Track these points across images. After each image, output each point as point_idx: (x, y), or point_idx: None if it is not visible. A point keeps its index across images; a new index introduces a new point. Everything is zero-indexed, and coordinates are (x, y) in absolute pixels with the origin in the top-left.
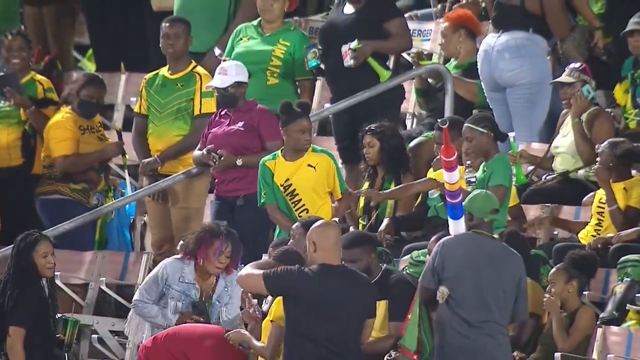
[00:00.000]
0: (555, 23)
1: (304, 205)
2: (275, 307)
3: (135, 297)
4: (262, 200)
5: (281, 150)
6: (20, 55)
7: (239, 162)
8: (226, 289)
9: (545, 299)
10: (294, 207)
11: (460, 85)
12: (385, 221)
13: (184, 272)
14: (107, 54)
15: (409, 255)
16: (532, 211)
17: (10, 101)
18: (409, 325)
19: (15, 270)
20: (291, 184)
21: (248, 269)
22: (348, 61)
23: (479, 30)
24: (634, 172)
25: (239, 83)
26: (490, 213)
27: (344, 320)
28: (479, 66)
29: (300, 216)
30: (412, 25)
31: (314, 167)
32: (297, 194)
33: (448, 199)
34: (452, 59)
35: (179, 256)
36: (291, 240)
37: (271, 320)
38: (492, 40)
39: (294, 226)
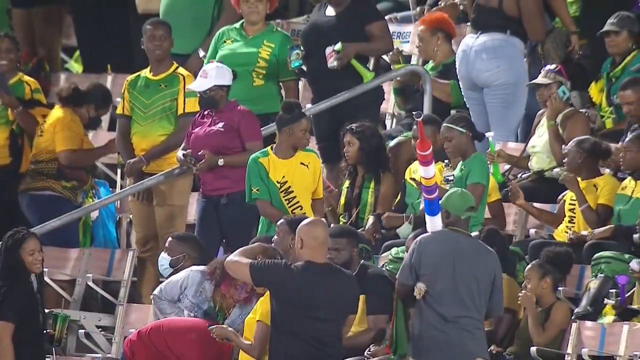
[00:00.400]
0: (531, 26)
1: (298, 202)
2: (260, 306)
3: (156, 291)
4: (253, 196)
5: (271, 148)
6: (8, 56)
7: (221, 162)
8: (240, 317)
9: (520, 295)
10: (287, 204)
11: (434, 86)
12: (371, 219)
13: (204, 288)
14: (94, 55)
15: (389, 252)
16: (508, 209)
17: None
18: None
19: (3, 267)
20: (287, 181)
21: (237, 255)
22: (332, 62)
23: (455, 32)
24: (607, 170)
25: (219, 86)
26: (467, 211)
27: (328, 317)
28: (457, 66)
29: (294, 213)
30: (391, 27)
31: (307, 166)
32: (292, 192)
33: (424, 194)
34: (430, 61)
35: (205, 269)
36: (275, 237)
37: (257, 320)
38: (470, 40)
39: (278, 223)
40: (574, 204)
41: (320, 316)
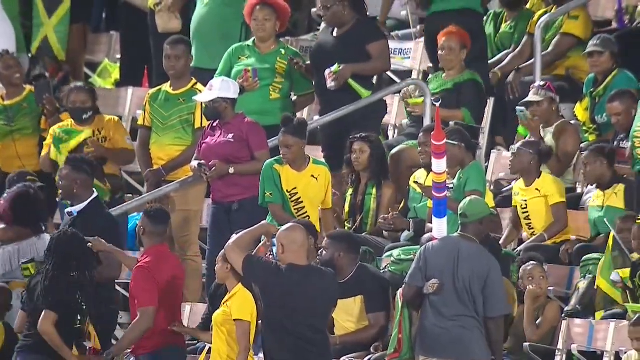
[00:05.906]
0: None
1: (306, 212)
2: (232, 303)
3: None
4: (266, 200)
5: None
6: (19, 71)
7: (231, 170)
8: None
9: (531, 288)
10: (296, 213)
11: (446, 116)
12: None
13: None
14: (135, 69)
15: (390, 254)
16: (504, 214)
17: (48, 107)
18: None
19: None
20: (297, 192)
21: (238, 241)
22: (330, 83)
23: None
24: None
25: (222, 98)
26: (480, 216)
27: (313, 313)
28: None
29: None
30: (393, 44)
31: (317, 178)
32: (302, 202)
33: (434, 192)
34: (430, 76)
35: None
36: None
37: (235, 319)
38: None
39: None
40: (526, 211)
41: (306, 313)
